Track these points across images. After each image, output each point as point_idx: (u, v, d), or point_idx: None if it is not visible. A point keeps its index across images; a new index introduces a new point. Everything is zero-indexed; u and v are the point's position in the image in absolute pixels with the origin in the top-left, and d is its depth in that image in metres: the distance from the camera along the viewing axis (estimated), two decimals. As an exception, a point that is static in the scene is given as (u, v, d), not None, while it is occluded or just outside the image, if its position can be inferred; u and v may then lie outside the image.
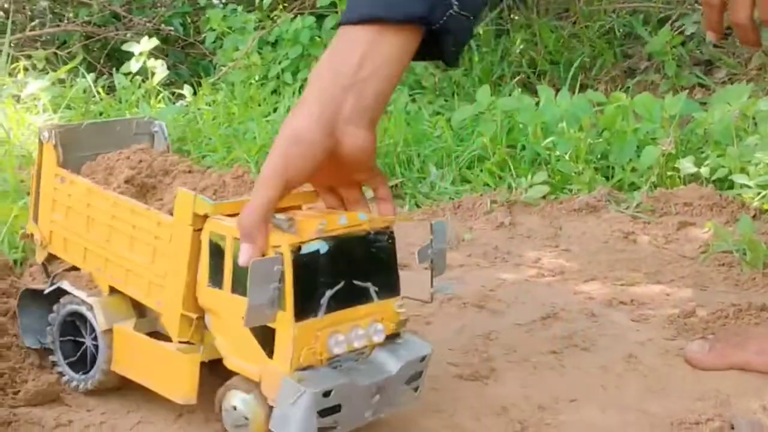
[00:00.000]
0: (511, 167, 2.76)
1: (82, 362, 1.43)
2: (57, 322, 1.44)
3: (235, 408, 1.24)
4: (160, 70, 3.74)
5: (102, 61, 4.23)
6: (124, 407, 1.42)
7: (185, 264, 1.26)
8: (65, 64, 3.69)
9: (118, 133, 1.52)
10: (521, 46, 4.18)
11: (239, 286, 1.20)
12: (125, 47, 3.78)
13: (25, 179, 2.24)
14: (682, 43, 3.90)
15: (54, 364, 1.47)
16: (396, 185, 2.86)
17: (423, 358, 1.28)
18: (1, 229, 1.95)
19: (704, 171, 2.69)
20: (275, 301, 1.15)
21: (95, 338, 1.39)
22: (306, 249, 1.18)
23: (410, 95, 3.51)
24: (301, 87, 3.67)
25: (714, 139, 2.78)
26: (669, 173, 2.74)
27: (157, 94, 3.69)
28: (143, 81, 3.74)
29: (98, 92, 3.58)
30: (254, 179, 1.32)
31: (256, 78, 3.85)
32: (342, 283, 1.21)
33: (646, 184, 2.67)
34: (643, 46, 4.03)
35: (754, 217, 2.37)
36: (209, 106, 3.60)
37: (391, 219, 1.27)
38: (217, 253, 1.23)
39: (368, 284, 1.24)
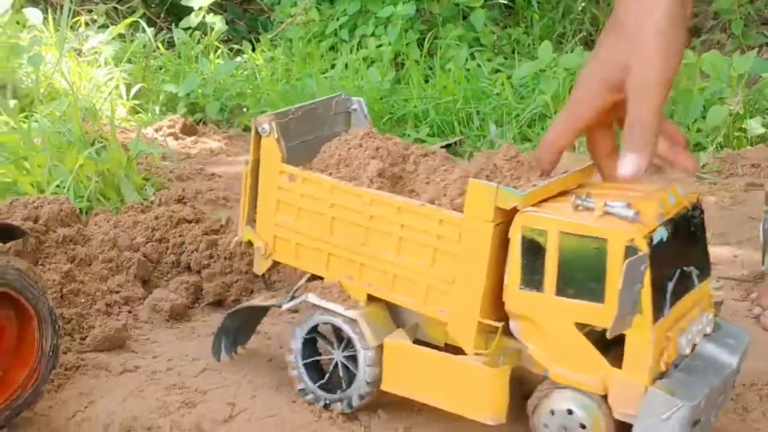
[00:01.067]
0: (573, 125, 2.70)
1: (326, 379, 1.27)
2: (299, 337, 1.27)
3: (570, 412, 1.10)
4: (218, 25, 3.73)
5: (161, 16, 4.23)
6: (190, 355, 1.43)
7: (484, 266, 1.10)
8: (125, 18, 3.69)
9: (319, 115, 1.32)
10: (583, 3, 4.08)
11: (569, 287, 1.06)
12: (184, 2, 3.77)
13: (89, 131, 2.26)
14: (750, 1, 3.78)
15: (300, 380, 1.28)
16: (455, 143, 2.84)
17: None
18: (67, 177, 1.96)
19: (773, 131, 2.61)
20: (636, 305, 1.01)
21: (349, 354, 1.23)
22: (655, 238, 1.04)
23: (469, 52, 3.46)
24: (359, 44, 3.64)
25: (784, 99, 2.70)
26: (736, 134, 2.67)
27: (216, 50, 3.69)
28: (202, 36, 3.74)
29: (158, 47, 3.59)
30: (529, 159, 1.18)
31: (314, 34, 3.83)
32: (677, 272, 1.08)
33: (713, 144, 2.61)
34: (710, 4, 3.91)
35: (824, 178, 2.30)
36: (267, 62, 3.59)
37: (696, 192, 1.14)
38: (533, 250, 1.07)
39: (692, 268, 1.12)
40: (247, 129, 3.15)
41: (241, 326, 1.38)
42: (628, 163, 1.08)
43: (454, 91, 3.00)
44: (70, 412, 1.26)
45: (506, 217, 1.09)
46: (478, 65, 3.34)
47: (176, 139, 2.79)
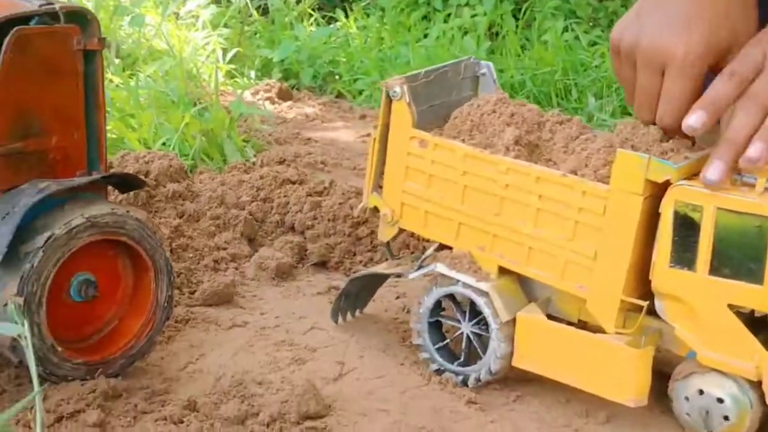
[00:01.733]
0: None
1: (453, 350, 1.26)
2: (425, 308, 1.23)
3: (721, 401, 1.06)
4: (313, -8, 3.73)
5: (256, -19, 4.25)
6: (296, 313, 1.43)
7: (630, 241, 1.06)
8: (220, -17, 3.72)
9: (449, 79, 1.27)
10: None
11: (724, 266, 1.02)
12: (279, -32, 3.78)
13: (193, 91, 2.27)
14: None
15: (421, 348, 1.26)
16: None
17: None
18: (172, 135, 1.98)
19: None
20: None
21: (479, 327, 1.21)
22: None
23: (565, 24, 3.38)
24: (452, 13, 3.60)
25: None
26: None
27: (309, 17, 3.69)
28: (297, 3, 3.74)
29: (253, 13, 3.61)
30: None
31: (407, 3, 3.79)
32: None
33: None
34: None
35: None
36: (360, 30, 3.58)
37: None
38: (686, 226, 1.03)
39: None
40: (340, 96, 3.15)
41: (360, 292, 1.37)
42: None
43: (552, 62, 2.94)
44: (181, 363, 1.27)
45: (655, 190, 1.05)
46: (576, 37, 3.27)
47: (272, 103, 2.79)
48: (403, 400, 1.20)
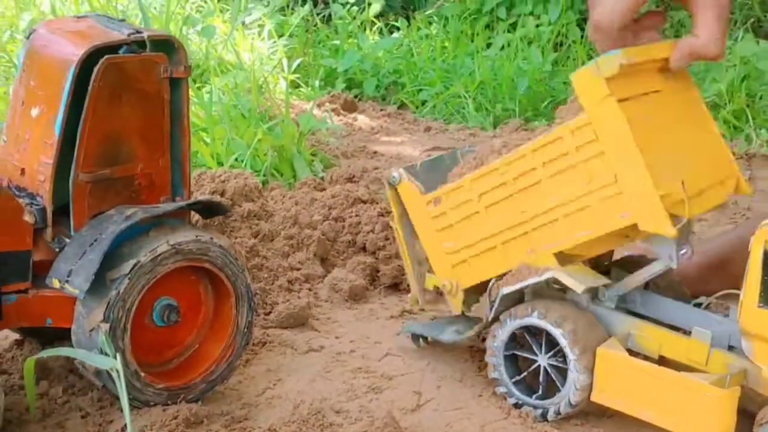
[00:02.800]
0: (750, 117, 2.58)
1: (530, 383, 1.24)
2: (500, 341, 1.23)
3: None
4: (376, 1, 3.72)
5: (318, -10, 4.27)
6: (371, 338, 1.43)
7: (631, 139, 1.07)
8: (284, -9, 3.73)
9: (446, 166, 1.33)
10: (754, -12, 3.88)
11: None
12: (342, -23, 3.78)
13: (264, 104, 2.28)
14: None
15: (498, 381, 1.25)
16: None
17: None
18: (244, 150, 1.99)
19: None
20: None
21: (556, 359, 1.19)
22: None
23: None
24: (514, 24, 3.57)
25: None
26: None
27: (372, 25, 3.69)
28: (359, 12, 3.74)
29: (317, 22, 3.62)
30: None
31: (470, 12, 3.77)
32: None
33: None
34: None
35: None
36: (422, 39, 3.57)
37: None
38: None
39: None
40: (403, 106, 3.14)
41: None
42: None
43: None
44: (260, 389, 1.27)
45: (627, 91, 1.08)
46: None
47: (338, 115, 2.80)
48: (482, 434, 1.19)
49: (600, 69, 1.07)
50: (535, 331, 1.21)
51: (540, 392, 1.21)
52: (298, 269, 1.58)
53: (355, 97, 3.16)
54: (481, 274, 1.25)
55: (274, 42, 3.17)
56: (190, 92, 2.34)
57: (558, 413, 1.19)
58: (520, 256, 1.20)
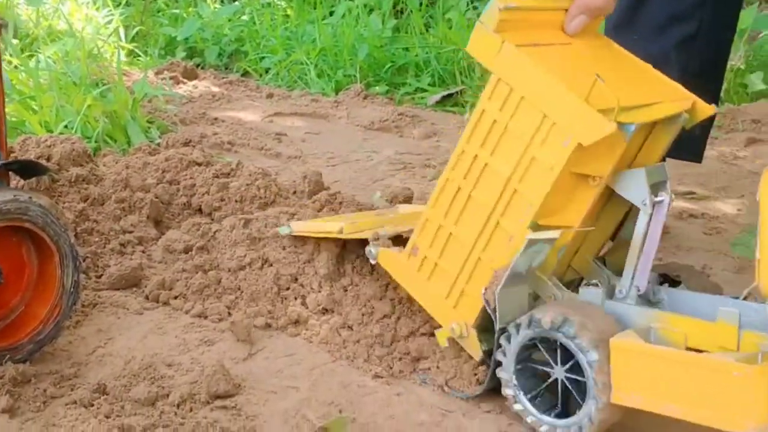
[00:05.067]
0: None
1: (555, 404, 1.10)
2: (512, 359, 1.11)
3: None
4: (216, -31, 3.69)
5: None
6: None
7: (539, 71, 1.06)
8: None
9: None
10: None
11: None
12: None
13: (94, 72, 2.24)
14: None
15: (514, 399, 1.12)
16: (456, 93, 2.83)
17: None
18: (74, 118, 1.95)
19: (775, 88, 2.63)
20: None
21: (573, 370, 1.06)
22: None
23: (471, 3, 3.44)
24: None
25: (786, 55, 2.71)
26: (737, 89, 2.68)
27: (213, -6, 3.66)
28: (200, -21, 3.70)
29: (156, -10, 3.56)
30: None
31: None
32: None
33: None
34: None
35: (825, 135, 2.32)
36: (265, 7, 3.56)
37: None
38: None
39: None
40: (246, 74, 3.13)
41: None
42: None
43: (456, 40, 2.99)
44: (90, 348, 1.27)
45: (523, 39, 1.08)
46: (479, 15, 3.32)
47: (177, 83, 2.77)
48: (312, 378, 1.22)
49: (485, 23, 1.09)
50: (547, 341, 1.08)
51: (559, 410, 1.11)
52: (131, 232, 1.58)
53: (198, 66, 3.14)
54: (480, 299, 1.14)
55: (110, 11, 3.10)
56: (18, 61, 2.29)
57: (581, 429, 1.05)
58: (504, 253, 1.14)
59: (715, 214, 1.91)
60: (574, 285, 1.21)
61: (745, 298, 1.05)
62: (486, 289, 1.13)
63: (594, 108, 1.04)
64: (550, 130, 1.07)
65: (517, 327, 1.10)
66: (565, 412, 1.09)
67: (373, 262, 1.28)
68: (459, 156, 1.16)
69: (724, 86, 2.68)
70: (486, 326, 1.16)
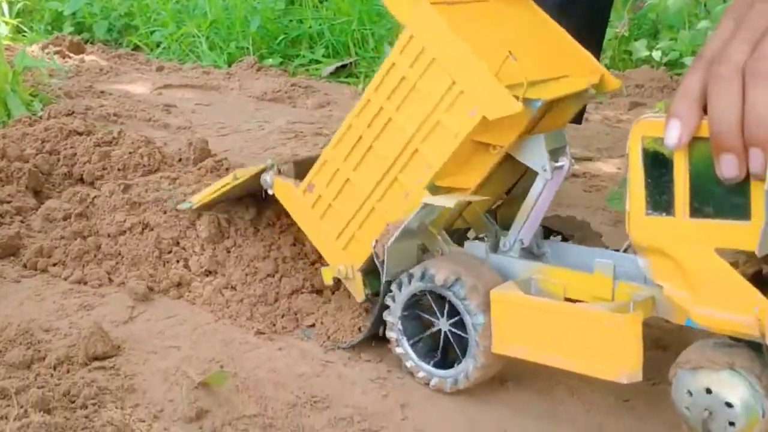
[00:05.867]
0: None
1: (436, 353, 1.13)
2: (400, 305, 1.12)
3: (730, 405, 0.90)
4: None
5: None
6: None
7: (452, 35, 1.04)
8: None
9: None
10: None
11: (705, 205, 0.87)
12: None
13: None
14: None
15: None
16: (350, 64, 2.84)
17: None
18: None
19: (656, 54, 2.72)
20: None
21: (457, 325, 1.08)
22: None
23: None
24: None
25: (667, 23, 2.80)
26: (622, 56, 2.76)
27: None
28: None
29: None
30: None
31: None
32: None
33: (600, 66, 2.70)
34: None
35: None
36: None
37: None
38: (658, 165, 0.88)
39: None
40: (137, 49, 3.08)
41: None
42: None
43: (349, 11, 2.99)
44: (-37, 317, 1.24)
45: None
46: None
47: (63, 57, 2.71)
48: (193, 337, 1.22)
49: None
50: (437, 294, 1.10)
51: (438, 359, 1.13)
52: (8, 202, 1.54)
53: (86, 41, 3.07)
54: (369, 246, 1.16)
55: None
56: None
57: (470, 383, 1.09)
58: (399, 207, 1.14)
59: (596, 173, 1.97)
60: (459, 233, 1.23)
61: (625, 251, 1.07)
62: (377, 241, 1.14)
63: (503, 83, 1.04)
64: (458, 98, 1.07)
65: (410, 277, 1.11)
66: (444, 361, 1.12)
67: (270, 191, 1.27)
68: (365, 104, 1.14)
69: (610, 53, 2.76)
70: (371, 270, 1.17)
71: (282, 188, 1.26)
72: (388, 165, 1.14)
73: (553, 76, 1.15)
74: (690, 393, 0.92)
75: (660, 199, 0.89)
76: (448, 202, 1.09)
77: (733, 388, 0.90)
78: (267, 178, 1.26)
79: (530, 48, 1.16)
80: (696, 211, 0.87)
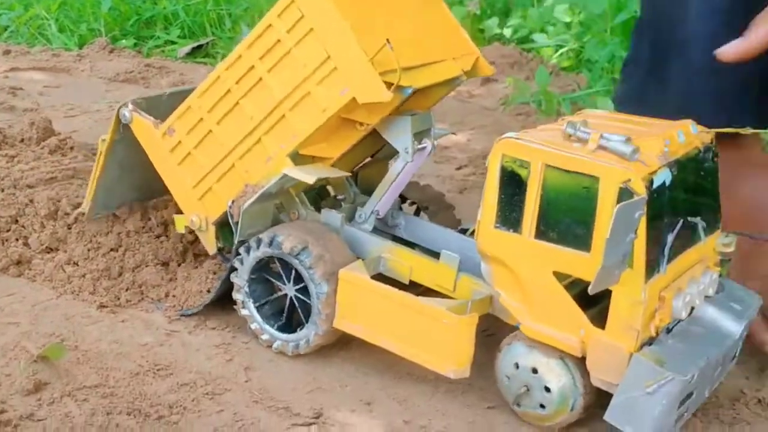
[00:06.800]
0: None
1: (281, 316, 1.14)
2: (248, 268, 1.13)
3: (535, 371, 0.96)
4: None
5: None
6: None
7: (334, 9, 1.03)
8: None
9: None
10: None
11: (551, 230, 0.90)
12: None
13: None
14: None
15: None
16: (206, 44, 2.81)
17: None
18: None
19: (507, 32, 2.80)
20: (626, 257, 0.85)
21: (302, 292, 1.10)
22: (656, 181, 0.87)
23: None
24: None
25: (517, 1, 2.89)
26: (475, 34, 2.83)
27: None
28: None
29: None
30: None
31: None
32: (680, 222, 0.92)
33: (453, 44, 2.77)
34: None
35: (550, 73, 2.50)
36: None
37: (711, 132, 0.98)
38: (513, 184, 0.92)
39: (698, 219, 0.95)
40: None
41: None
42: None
43: (205, -9, 2.95)
44: None
45: None
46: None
47: None
48: (33, 313, 1.20)
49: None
50: (284, 261, 1.11)
51: (283, 322, 1.14)
52: None
53: (-75, 26, 2.93)
54: (226, 202, 1.15)
55: None
56: None
57: (309, 349, 1.11)
58: (259, 169, 1.13)
59: (447, 145, 2.02)
60: (316, 191, 1.24)
61: (472, 233, 1.10)
62: (233, 201, 1.14)
63: (378, 68, 1.04)
64: (331, 74, 1.06)
65: (258, 242, 1.11)
66: (289, 326, 1.13)
67: (124, 122, 1.21)
68: (236, 59, 1.12)
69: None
70: (226, 223, 1.17)
71: (141, 126, 1.21)
72: (253, 125, 1.12)
73: (429, 61, 1.15)
74: (517, 366, 0.97)
75: (510, 215, 0.92)
76: (309, 177, 1.09)
77: (557, 376, 0.95)
78: (126, 112, 1.21)
79: (412, 29, 1.16)
80: (541, 234, 0.91)
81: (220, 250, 1.20)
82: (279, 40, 1.08)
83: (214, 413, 1.01)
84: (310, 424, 1.00)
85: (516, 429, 1.00)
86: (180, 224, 1.21)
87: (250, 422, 0.99)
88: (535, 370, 0.96)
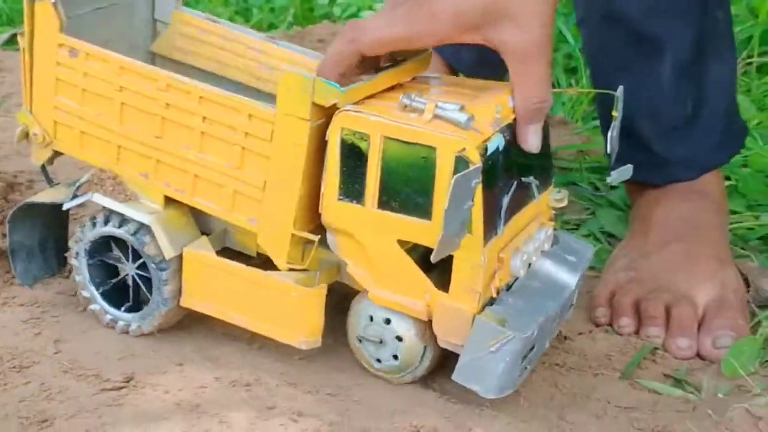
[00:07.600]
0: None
1: (122, 297, 1.09)
2: (83, 249, 1.07)
3: (388, 322, 0.98)
4: None
5: None
6: None
7: (299, 171, 0.95)
8: None
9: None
10: None
11: (392, 200, 0.92)
12: None
13: None
14: None
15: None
16: (28, 32, 2.72)
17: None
18: None
19: (336, 10, 2.84)
20: (465, 225, 0.87)
21: (142, 266, 1.06)
22: (490, 148, 0.90)
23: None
24: None
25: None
26: (305, 14, 2.86)
27: None
28: None
29: None
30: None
31: None
32: (515, 183, 0.96)
33: (284, 24, 2.78)
34: None
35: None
36: None
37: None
38: (353, 156, 0.93)
39: (531, 178, 0.98)
40: None
41: (41, 241, 1.18)
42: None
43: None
44: None
45: (326, 115, 0.95)
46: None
47: None
48: None
49: (315, 90, 0.92)
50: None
51: (131, 304, 1.09)
52: None
53: None
54: (81, 154, 1.07)
55: None
56: None
57: (153, 328, 1.08)
58: (132, 171, 1.05)
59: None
60: None
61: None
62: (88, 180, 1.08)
63: (294, 238, 1.00)
64: (253, 200, 1.00)
65: (94, 222, 1.07)
66: (137, 305, 1.10)
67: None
68: (183, 89, 1.01)
69: (293, 11, 2.84)
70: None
71: (45, 12, 1.03)
72: (156, 146, 1.04)
73: None
74: (371, 318, 1.00)
75: (352, 188, 0.94)
76: (168, 251, 1.04)
77: (408, 327, 0.98)
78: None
79: None
80: (383, 204, 0.93)
81: (43, 166, 1.13)
82: (234, 128, 0.99)
83: (21, 385, 0.99)
84: (120, 387, 0.99)
85: (326, 373, 1.03)
86: (22, 120, 1.10)
87: (57, 391, 0.98)
88: (388, 321, 0.99)
